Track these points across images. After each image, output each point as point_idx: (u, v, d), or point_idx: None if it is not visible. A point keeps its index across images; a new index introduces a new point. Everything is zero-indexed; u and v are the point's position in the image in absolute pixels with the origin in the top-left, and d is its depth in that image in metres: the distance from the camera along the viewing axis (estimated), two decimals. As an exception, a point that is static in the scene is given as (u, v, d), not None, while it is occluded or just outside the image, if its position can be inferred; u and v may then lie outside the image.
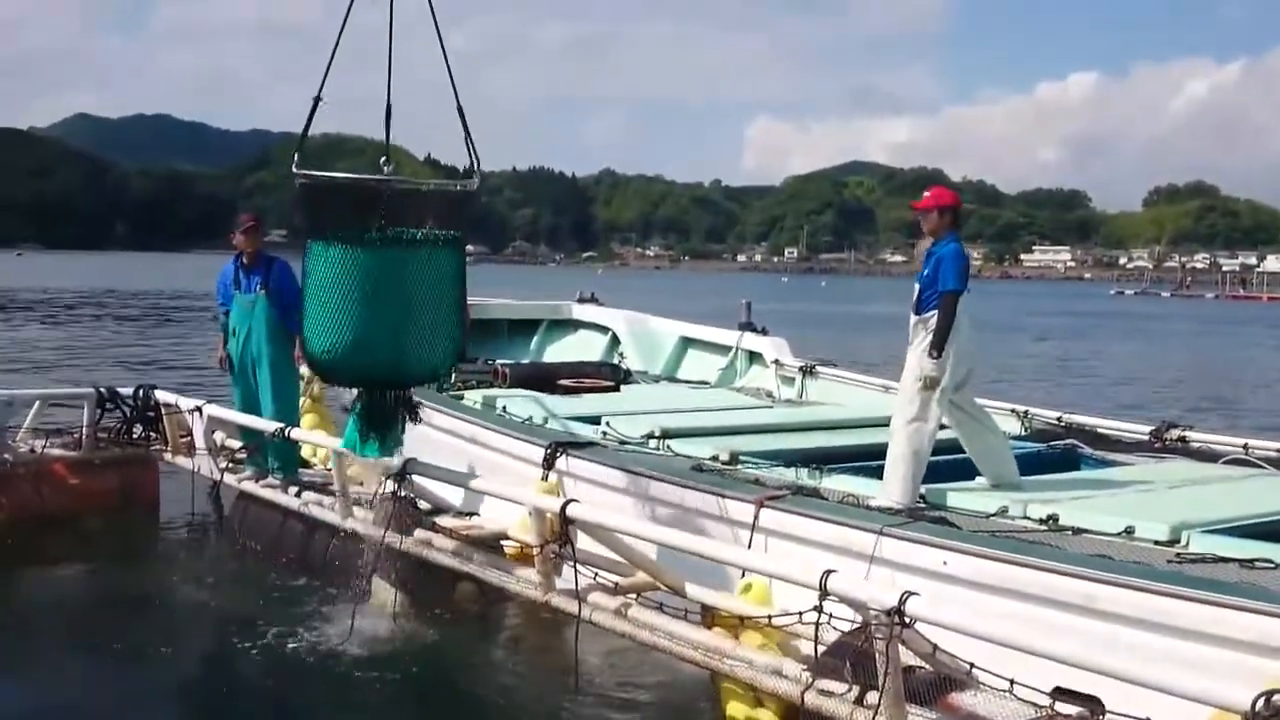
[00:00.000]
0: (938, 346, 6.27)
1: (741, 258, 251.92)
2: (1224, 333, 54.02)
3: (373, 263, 5.89)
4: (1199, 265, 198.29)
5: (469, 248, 10.68)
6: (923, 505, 6.20)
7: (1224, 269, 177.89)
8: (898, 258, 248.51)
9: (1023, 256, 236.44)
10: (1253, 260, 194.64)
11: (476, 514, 7.66)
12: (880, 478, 6.54)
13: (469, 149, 6.20)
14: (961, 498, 6.26)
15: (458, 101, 6.27)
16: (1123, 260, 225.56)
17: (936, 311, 6.33)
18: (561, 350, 12.81)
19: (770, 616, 5.02)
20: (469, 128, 6.24)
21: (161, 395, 9.76)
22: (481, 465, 7.96)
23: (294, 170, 5.94)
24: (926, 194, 6.70)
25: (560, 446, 7.30)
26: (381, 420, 6.32)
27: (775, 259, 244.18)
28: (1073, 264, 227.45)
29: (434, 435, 8.61)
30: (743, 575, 5.49)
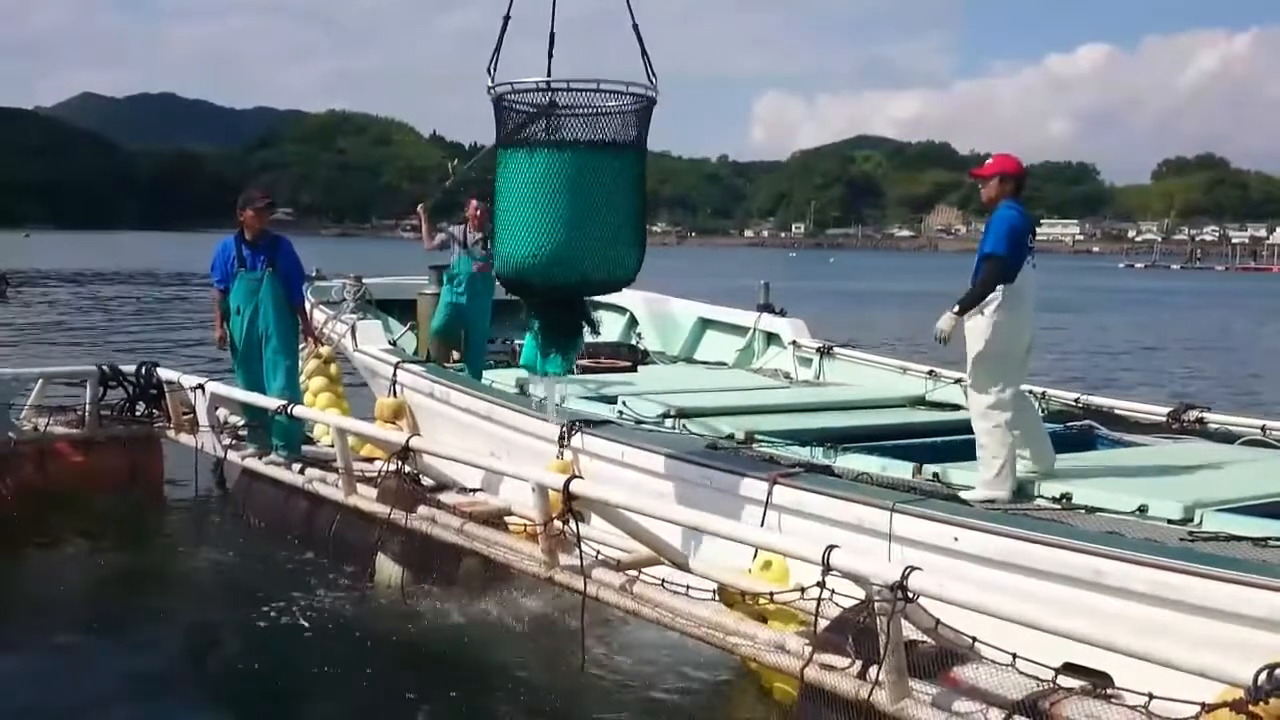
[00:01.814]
0: (963, 303, 6.03)
1: (749, 233, 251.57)
2: (1236, 305, 53.68)
3: (574, 166, 5.89)
4: (1208, 238, 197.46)
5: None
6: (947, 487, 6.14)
7: (1233, 241, 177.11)
8: (905, 232, 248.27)
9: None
10: (1262, 233, 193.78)
11: (482, 490, 7.66)
12: (895, 457, 6.60)
13: (645, 64, 6.22)
14: (976, 477, 6.22)
15: (633, 19, 6.34)
16: (1131, 233, 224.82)
17: None
18: None
19: (771, 594, 4.98)
20: (644, 42, 6.29)
21: (164, 373, 9.75)
22: (499, 444, 7.96)
23: (489, 86, 6.02)
24: (989, 160, 6.43)
25: (576, 424, 7.32)
26: (567, 332, 6.36)
27: (783, 234, 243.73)
28: (1081, 237, 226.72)
29: (453, 414, 8.61)
30: (755, 554, 5.47)
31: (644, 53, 6.22)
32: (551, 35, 6.21)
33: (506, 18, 6.23)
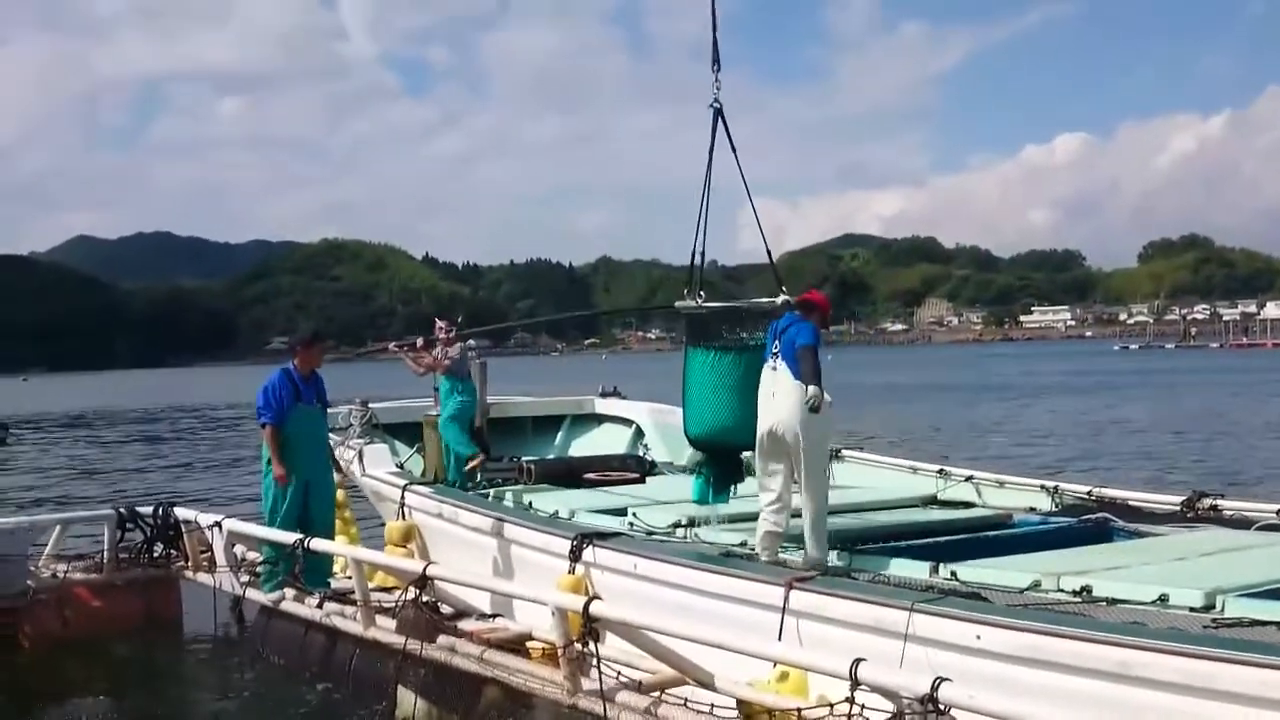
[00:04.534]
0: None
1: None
2: (1238, 383, 53.35)
3: (739, 361, 7.58)
4: (1199, 316, 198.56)
5: (471, 343, 11.02)
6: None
7: (1225, 318, 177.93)
8: (898, 326, 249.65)
9: (1022, 318, 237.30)
10: (1252, 308, 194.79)
11: (501, 615, 7.65)
12: (911, 557, 6.63)
13: (775, 277, 8.39)
14: (994, 574, 6.23)
15: (755, 214, 8.56)
16: (1123, 316, 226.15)
17: None
18: (586, 445, 12.86)
19: (799, 710, 4.97)
20: (774, 261, 8.66)
21: (181, 512, 9.77)
22: (510, 561, 7.99)
23: (684, 302, 8.21)
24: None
25: (586, 538, 7.36)
26: (731, 476, 7.92)
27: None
28: (1073, 323, 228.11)
29: (463, 534, 8.64)
30: (774, 665, 5.46)
31: (775, 272, 8.36)
32: (693, 255, 8.28)
33: (697, 255, 8.23)
